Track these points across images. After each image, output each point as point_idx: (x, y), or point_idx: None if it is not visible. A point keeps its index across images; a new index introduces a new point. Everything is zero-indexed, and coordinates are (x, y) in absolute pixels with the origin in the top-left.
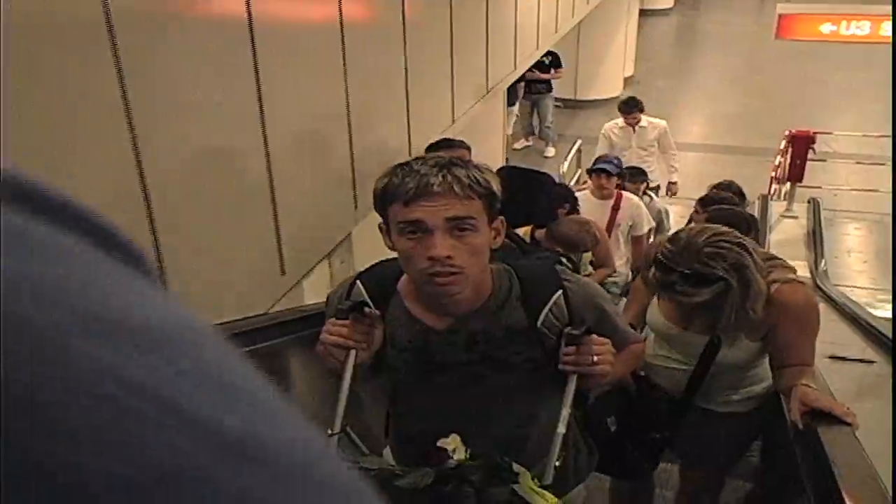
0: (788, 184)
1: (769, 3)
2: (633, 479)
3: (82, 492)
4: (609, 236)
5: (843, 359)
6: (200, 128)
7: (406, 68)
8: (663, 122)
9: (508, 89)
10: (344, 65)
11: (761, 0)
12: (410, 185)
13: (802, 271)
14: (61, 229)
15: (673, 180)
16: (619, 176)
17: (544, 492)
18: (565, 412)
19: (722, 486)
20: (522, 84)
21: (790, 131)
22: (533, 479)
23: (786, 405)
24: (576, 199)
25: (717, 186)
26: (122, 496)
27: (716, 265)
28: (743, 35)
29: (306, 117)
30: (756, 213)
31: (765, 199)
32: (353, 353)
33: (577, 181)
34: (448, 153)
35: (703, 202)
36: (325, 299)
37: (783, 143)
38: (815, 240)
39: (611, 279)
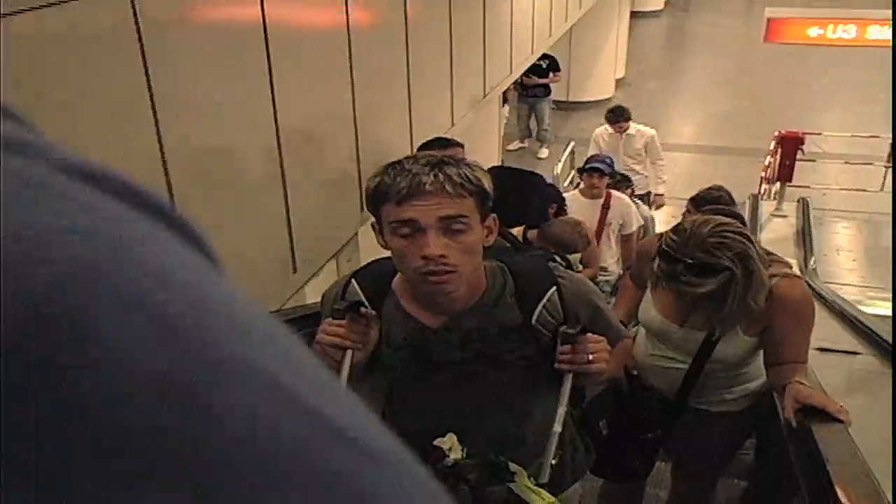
0: (778, 184)
1: (758, 5)
2: (629, 481)
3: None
4: (600, 235)
5: (830, 350)
6: (219, 129)
7: (408, 72)
8: (652, 131)
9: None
10: (350, 68)
11: (750, 2)
12: (402, 184)
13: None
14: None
15: (659, 192)
16: (611, 176)
17: (541, 490)
18: (561, 410)
19: (715, 485)
20: (512, 86)
21: (779, 132)
22: (529, 477)
23: (779, 402)
24: (563, 199)
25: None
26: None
27: (721, 255)
28: (732, 37)
29: (316, 118)
30: (746, 213)
31: (755, 199)
32: (349, 352)
33: (571, 182)
34: (442, 151)
35: (695, 202)
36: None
37: (773, 144)
38: (804, 238)
39: (602, 278)
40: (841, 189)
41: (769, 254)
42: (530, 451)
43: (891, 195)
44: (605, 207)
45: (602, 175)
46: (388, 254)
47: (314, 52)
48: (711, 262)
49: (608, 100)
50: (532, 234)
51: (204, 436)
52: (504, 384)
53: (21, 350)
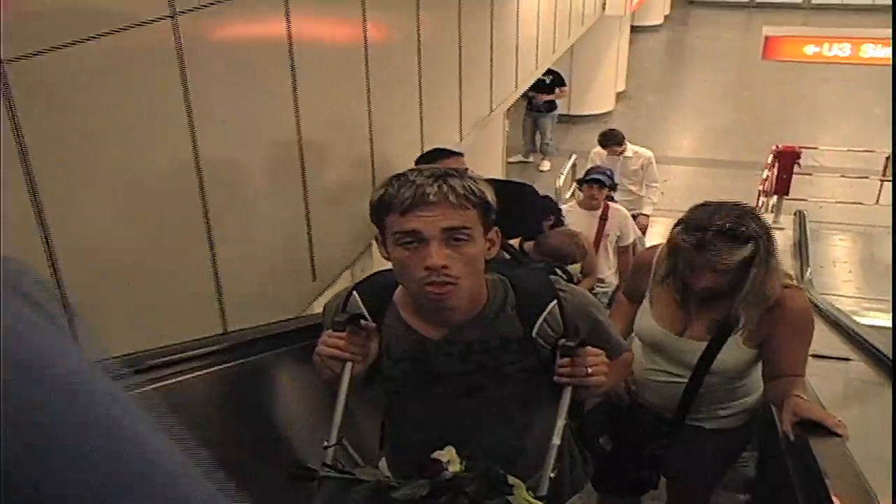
0: (775, 197)
1: (756, 20)
2: (634, 495)
3: None
4: (597, 247)
5: (823, 357)
6: (248, 141)
7: (420, 90)
8: (649, 153)
9: None
10: (367, 85)
11: (748, 17)
12: (406, 195)
13: None
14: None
15: (646, 212)
16: (611, 188)
17: (539, 503)
18: (560, 423)
19: (708, 500)
20: (520, 99)
21: (777, 146)
22: (528, 490)
23: (777, 416)
24: (560, 211)
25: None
26: None
27: (748, 224)
28: (730, 50)
29: (335, 133)
30: None
31: None
32: (349, 364)
33: (573, 195)
34: (444, 161)
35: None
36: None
37: (770, 158)
38: (801, 250)
39: (600, 289)
40: (837, 202)
41: None
42: (529, 463)
43: (889, 208)
44: (603, 219)
45: (602, 187)
46: (390, 266)
47: (334, 70)
48: (740, 228)
49: (609, 113)
50: (528, 245)
51: None
52: (504, 397)
53: None
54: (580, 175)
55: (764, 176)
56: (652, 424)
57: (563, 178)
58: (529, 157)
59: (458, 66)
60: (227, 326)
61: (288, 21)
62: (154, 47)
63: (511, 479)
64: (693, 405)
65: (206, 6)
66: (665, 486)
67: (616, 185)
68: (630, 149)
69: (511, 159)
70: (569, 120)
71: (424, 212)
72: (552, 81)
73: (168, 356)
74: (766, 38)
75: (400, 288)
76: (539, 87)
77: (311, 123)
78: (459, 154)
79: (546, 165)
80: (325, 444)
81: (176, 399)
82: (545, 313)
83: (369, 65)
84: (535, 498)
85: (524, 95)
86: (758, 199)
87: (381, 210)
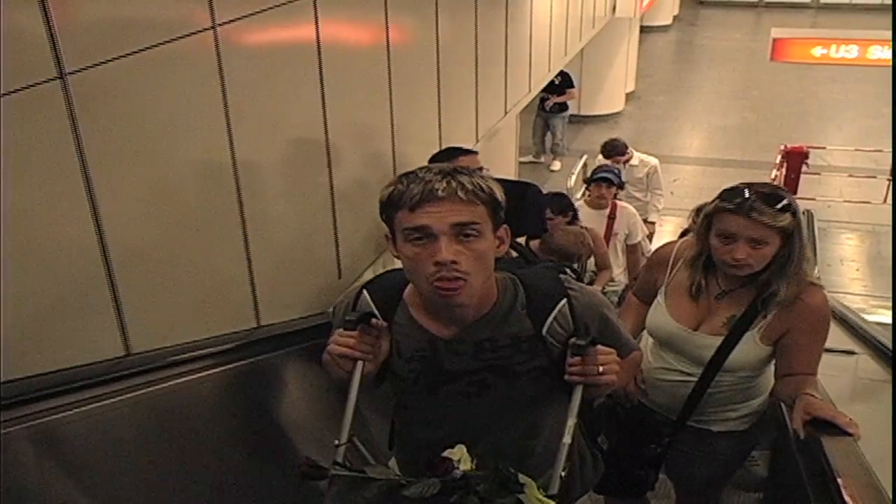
0: None
1: (765, 21)
2: (632, 497)
3: None
4: (608, 246)
5: (828, 350)
6: (278, 140)
7: (438, 92)
8: (655, 161)
9: None
10: (390, 87)
11: (757, 17)
12: (415, 191)
13: None
14: None
15: (652, 219)
16: (619, 187)
17: (550, 501)
18: (571, 422)
19: (717, 501)
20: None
21: (785, 146)
22: (539, 489)
23: (788, 414)
24: (575, 208)
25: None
26: None
27: (786, 194)
28: (739, 50)
29: (359, 133)
30: None
31: None
32: (359, 363)
33: (584, 195)
34: (460, 158)
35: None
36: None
37: (779, 158)
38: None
39: (610, 288)
40: (845, 201)
41: None
42: (540, 462)
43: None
44: (612, 217)
45: (610, 185)
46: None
47: (359, 74)
48: (781, 195)
49: (619, 113)
50: (534, 244)
51: None
52: (515, 395)
53: None
54: (589, 175)
55: (773, 175)
56: (653, 424)
57: (573, 178)
58: (540, 158)
59: (474, 68)
60: (261, 320)
61: (317, 29)
62: (196, 56)
63: (522, 478)
64: (701, 405)
65: (241, 18)
66: (674, 488)
67: (623, 183)
68: (636, 156)
69: (522, 159)
70: (579, 120)
71: (433, 207)
72: (562, 83)
73: (175, 355)
74: (774, 40)
75: (410, 286)
76: (549, 87)
77: (337, 125)
78: (474, 152)
79: (557, 165)
80: (336, 442)
81: (187, 399)
82: (555, 312)
83: (391, 69)
84: (546, 496)
85: (541, 97)
86: None
87: (390, 207)
